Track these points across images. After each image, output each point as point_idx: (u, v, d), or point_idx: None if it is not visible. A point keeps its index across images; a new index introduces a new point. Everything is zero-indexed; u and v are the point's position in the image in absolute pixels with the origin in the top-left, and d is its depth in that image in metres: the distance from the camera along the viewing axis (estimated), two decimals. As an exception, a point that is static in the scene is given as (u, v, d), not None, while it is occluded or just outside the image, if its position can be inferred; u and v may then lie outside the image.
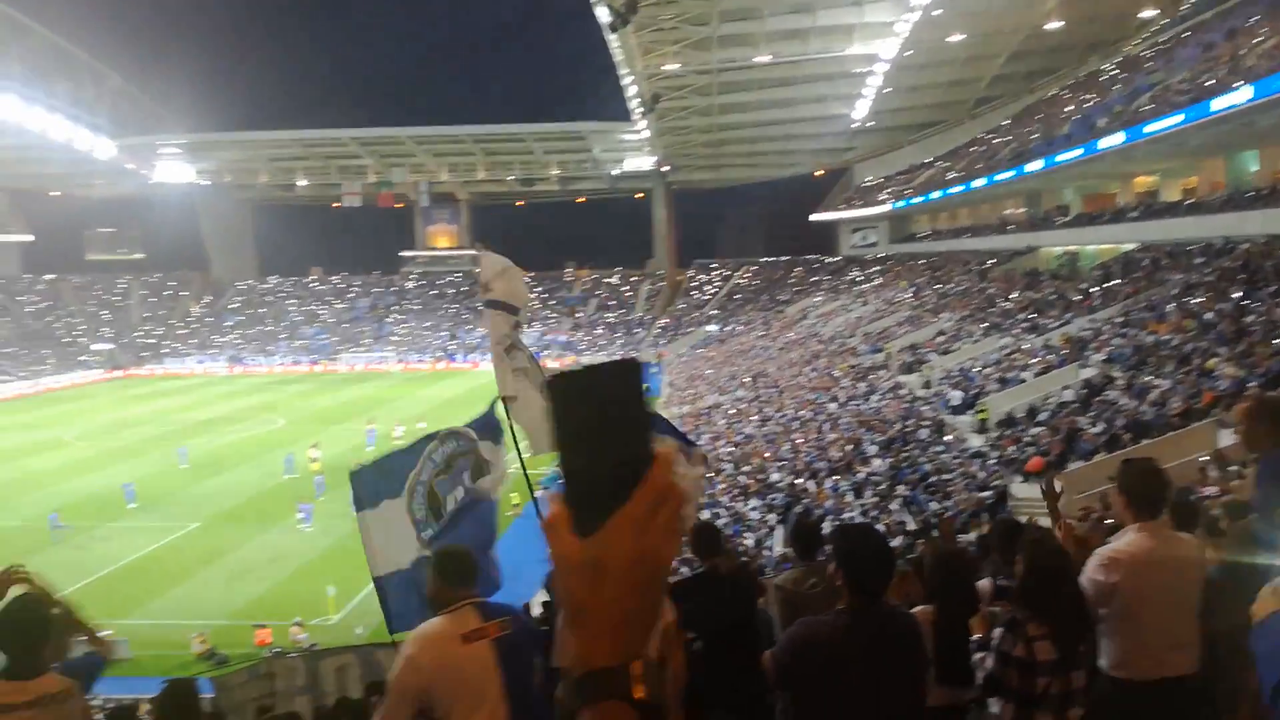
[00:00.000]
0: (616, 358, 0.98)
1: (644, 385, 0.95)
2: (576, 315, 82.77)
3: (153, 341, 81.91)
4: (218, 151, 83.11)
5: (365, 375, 71.54)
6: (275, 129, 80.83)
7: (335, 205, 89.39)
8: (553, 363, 73.47)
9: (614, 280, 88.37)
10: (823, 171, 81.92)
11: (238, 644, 20.62)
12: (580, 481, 0.93)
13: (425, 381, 66.33)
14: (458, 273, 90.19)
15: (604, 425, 0.92)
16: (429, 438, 6.17)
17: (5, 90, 62.69)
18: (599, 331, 79.73)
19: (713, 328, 72.05)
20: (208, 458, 40.50)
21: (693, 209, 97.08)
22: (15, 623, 3.35)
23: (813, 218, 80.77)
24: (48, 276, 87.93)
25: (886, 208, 65.77)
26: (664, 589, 0.95)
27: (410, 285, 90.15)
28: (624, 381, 0.93)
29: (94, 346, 78.45)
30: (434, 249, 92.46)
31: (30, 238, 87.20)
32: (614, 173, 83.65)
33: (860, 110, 61.47)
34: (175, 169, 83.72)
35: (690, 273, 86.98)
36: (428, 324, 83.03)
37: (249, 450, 42.54)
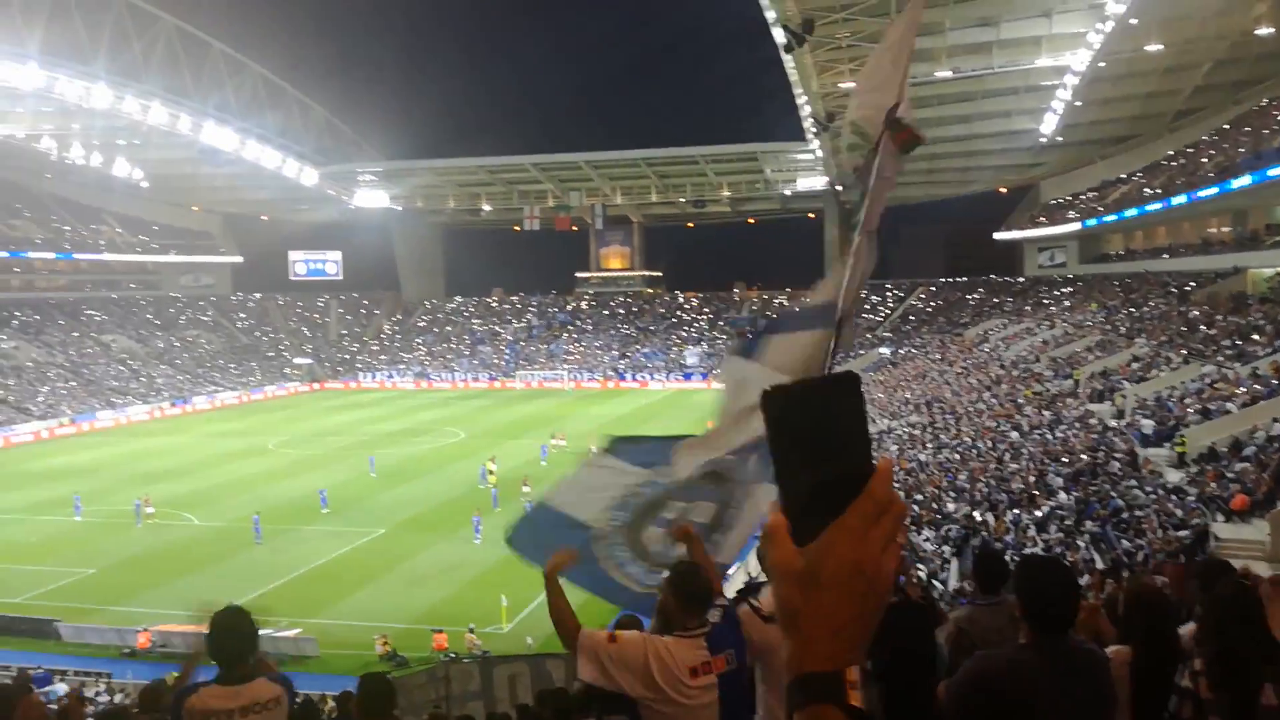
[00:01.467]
0: (836, 371, 1.02)
1: (862, 399, 0.96)
2: (745, 335, 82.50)
3: (348, 357, 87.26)
4: (410, 178, 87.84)
5: (539, 392, 73.67)
6: (463, 156, 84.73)
7: (516, 228, 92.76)
8: (719, 385, 73.28)
9: (783, 300, 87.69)
10: (1006, 189, 78.74)
11: (416, 647, 21.59)
12: (798, 491, 0.95)
13: (596, 399, 67.71)
14: (628, 293, 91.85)
15: (822, 437, 0.94)
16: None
17: (223, 123, 68.61)
18: (768, 353, 79.05)
19: (885, 350, 70.29)
20: (394, 467, 42.70)
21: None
22: (225, 633, 3.60)
23: (996, 236, 77.71)
24: (256, 295, 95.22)
25: (1076, 226, 62.55)
26: (884, 600, 0.95)
27: (584, 305, 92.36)
28: (843, 394, 0.95)
29: (295, 360, 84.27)
30: (607, 270, 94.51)
31: (240, 259, 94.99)
32: (786, 193, 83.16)
33: (1048, 125, 58.72)
34: (372, 195, 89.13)
35: (863, 294, 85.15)
36: (599, 343, 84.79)
37: (432, 462, 44.57)
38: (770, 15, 42.54)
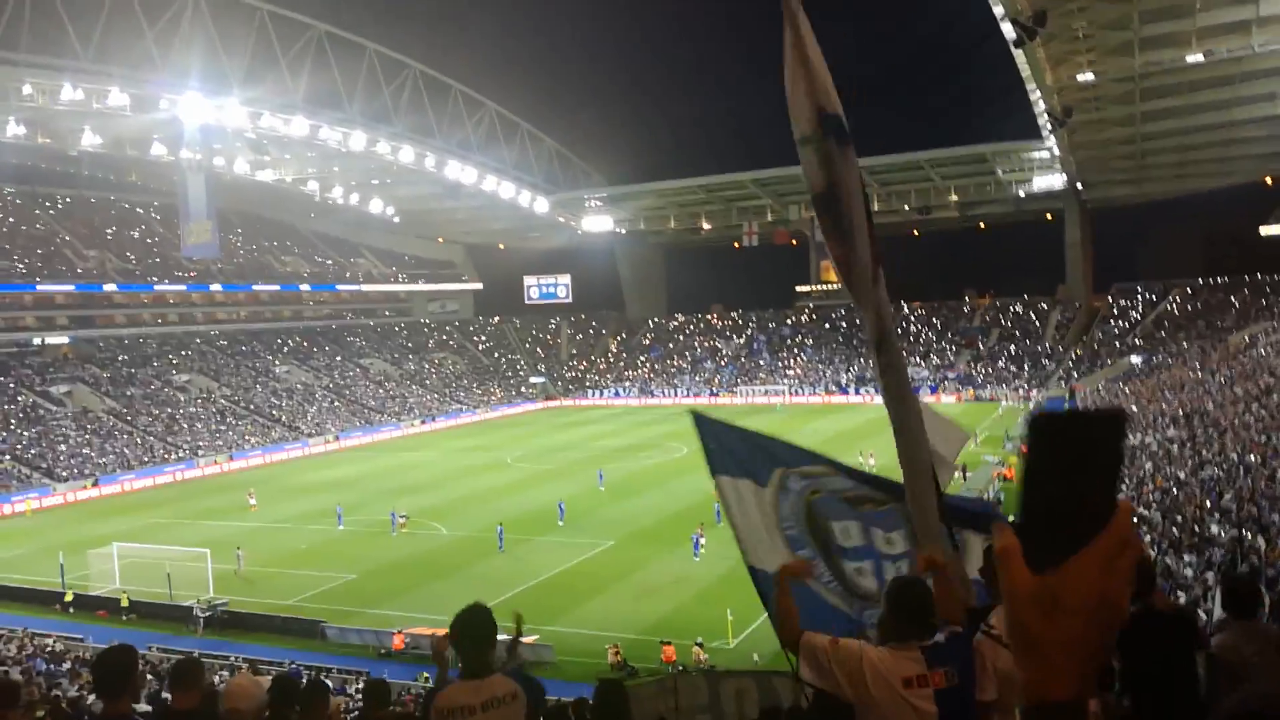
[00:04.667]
0: (1105, 408, 1.05)
1: (1125, 440, 1.00)
2: (976, 346, 78.97)
3: (577, 375, 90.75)
4: (633, 201, 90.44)
5: (756, 408, 73.55)
6: (682, 177, 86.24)
7: (735, 245, 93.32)
8: (948, 397, 70.65)
9: (1018, 309, 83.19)
10: (1273, 179, 71.20)
11: (645, 658, 22.12)
12: (1043, 518, 0.98)
13: (813, 414, 66.86)
14: (850, 305, 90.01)
15: (1081, 469, 0.97)
16: (815, 458, 5.50)
17: (464, 159, 73.38)
18: (1001, 364, 75.36)
19: (1136, 359, 65.26)
20: (621, 482, 44.02)
21: (1111, 228, 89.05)
22: (468, 626, 3.91)
23: (1263, 231, 70.41)
24: (494, 319, 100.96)
25: (1361, 216, 55.75)
26: (1116, 633, 0.99)
27: (804, 320, 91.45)
28: (1109, 432, 0.98)
29: (530, 379, 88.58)
30: (827, 283, 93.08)
31: (480, 285, 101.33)
32: (1020, 194, 79.00)
33: (1322, 106, 52.80)
34: (597, 219, 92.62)
35: (1109, 298, 79.54)
36: (820, 357, 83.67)
37: (656, 476, 45.55)
38: (998, 10, 40.86)
